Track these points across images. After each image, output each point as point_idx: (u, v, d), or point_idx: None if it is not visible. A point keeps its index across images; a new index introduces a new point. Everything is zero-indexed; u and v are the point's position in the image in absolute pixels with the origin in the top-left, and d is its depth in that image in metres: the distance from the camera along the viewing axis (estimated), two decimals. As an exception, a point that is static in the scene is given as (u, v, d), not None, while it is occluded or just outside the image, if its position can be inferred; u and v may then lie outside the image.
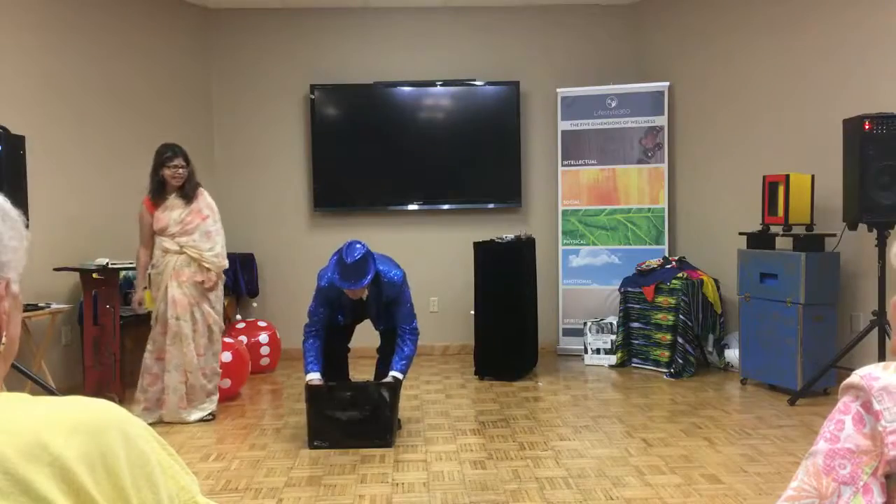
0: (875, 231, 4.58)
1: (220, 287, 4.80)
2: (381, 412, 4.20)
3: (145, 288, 4.83)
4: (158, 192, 4.64)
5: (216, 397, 4.81)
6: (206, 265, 4.64)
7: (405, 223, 6.79)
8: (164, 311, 4.62)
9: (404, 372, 4.32)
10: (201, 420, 4.69)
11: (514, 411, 4.87)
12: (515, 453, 4.03)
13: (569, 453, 4.01)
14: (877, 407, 0.94)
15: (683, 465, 3.80)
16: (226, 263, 4.77)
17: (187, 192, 4.66)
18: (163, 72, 6.24)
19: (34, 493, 0.72)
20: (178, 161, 4.63)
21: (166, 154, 4.63)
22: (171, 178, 4.62)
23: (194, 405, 4.70)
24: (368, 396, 4.21)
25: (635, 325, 6.05)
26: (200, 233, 4.66)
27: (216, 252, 4.69)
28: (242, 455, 4.11)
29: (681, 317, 5.72)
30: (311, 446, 4.16)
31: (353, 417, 4.18)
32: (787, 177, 5.09)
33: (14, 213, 0.91)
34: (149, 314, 5.46)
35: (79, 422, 0.78)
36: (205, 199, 4.74)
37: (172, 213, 4.63)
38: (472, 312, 5.93)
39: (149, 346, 4.68)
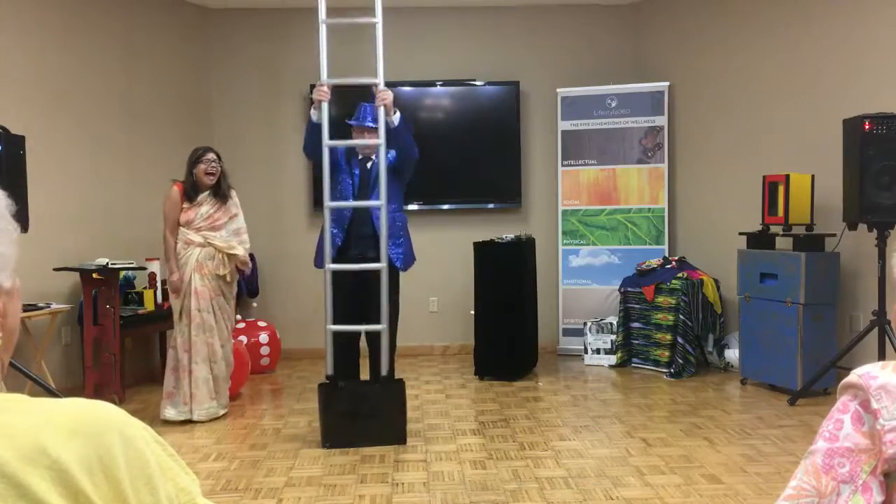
0: (875, 231, 4.58)
1: (234, 284, 4.86)
2: (394, 410, 4.21)
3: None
4: (192, 191, 4.69)
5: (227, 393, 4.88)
6: (239, 254, 4.73)
7: (405, 223, 6.78)
8: (187, 304, 4.65)
9: (400, 123, 4.25)
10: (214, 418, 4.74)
11: (514, 411, 4.86)
12: (515, 453, 4.03)
13: (569, 453, 4.01)
14: (875, 405, 0.94)
15: (683, 465, 3.80)
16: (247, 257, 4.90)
17: (223, 192, 4.75)
18: (162, 72, 6.24)
19: (32, 496, 0.71)
20: (211, 155, 4.73)
21: (199, 151, 4.75)
22: (204, 174, 4.69)
23: (220, 397, 4.76)
24: (380, 395, 4.22)
25: (635, 325, 6.05)
26: (228, 231, 4.77)
27: (247, 246, 4.85)
28: (242, 455, 4.11)
29: (681, 317, 5.72)
30: (324, 446, 4.16)
31: (366, 416, 4.18)
32: (787, 177, 5.09)
33: (1, 206, 0.90)
34: (151, 313, 5.48)
35: (77, 425, 0.78)
36: (234, 199, 4.84)
37: (201, 208, 4.70)
38: (472, 312, 5.93)
39: (177, 341, 4.68)
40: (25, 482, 0.71)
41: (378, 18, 4.24)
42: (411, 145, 4.39)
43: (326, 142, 4.17)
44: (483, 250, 5.87)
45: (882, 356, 4.53)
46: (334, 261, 4.25)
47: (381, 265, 4.16)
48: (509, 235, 5.96)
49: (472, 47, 6.72)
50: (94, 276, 5.04)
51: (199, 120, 6.59)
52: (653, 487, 3.52)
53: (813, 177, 5.13)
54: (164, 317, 5.66)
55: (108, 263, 5.10)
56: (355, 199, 4.37)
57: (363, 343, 4.50)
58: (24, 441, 0.74)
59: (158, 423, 4.62)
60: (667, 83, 6.38)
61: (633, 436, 4.31)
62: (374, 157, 4.39)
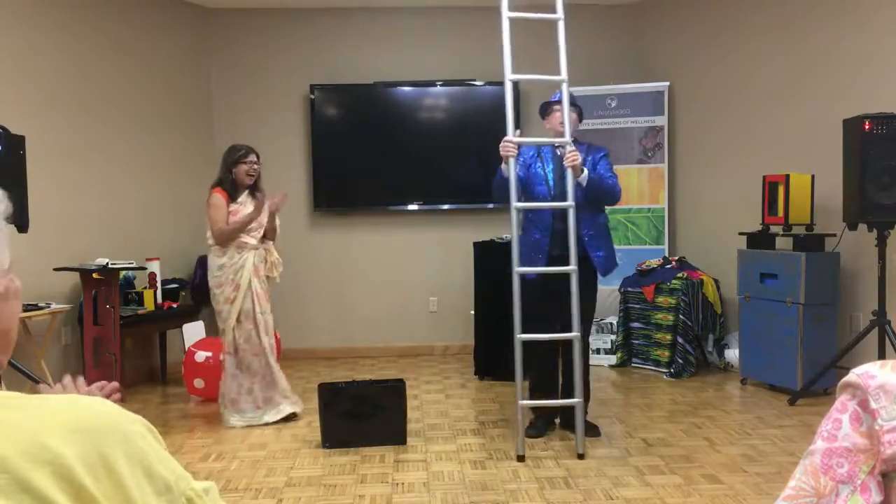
0: (875, 231, 4.58)
1: None
2: (394, 411, 4.22)
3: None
4: (234, 191, 4.61)
5: None
6: (273, 259, 4.70)
7: (405, 223, 6.79)
8: (250, 308, 4.57)
9: (591, 178, 4.09)
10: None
11: (514, 411, 4.86)
12: (515, 453, 4.03)
13: (569, 453, 4.01)
14: (873, 405, 0.94)
15: (683, 465, 3.80)
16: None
17: (260, 192, 4.68)
18: (162, 72, 6.24)
19: (34, 491, 0.72)
20: (254, 157, 4.65)
21: (241, 151, 4.65)
22: (245, 175, 4.61)
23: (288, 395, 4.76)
24: (381, 396, 4.23)
25: (635, 325, 6.05)
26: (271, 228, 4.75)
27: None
28: (242, 455, 4.11)
29: (681, 317, 5.72)
30: (324, 446, 4.17)
31: (366, 417, 4.19)
32: (787, 177, 5.09)
33: None
34: (151, 313, 5.48)
35: (76, 422, 0.79)
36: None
37: (246, 209, 4.62)
38: (472, 312, 5.93)
39: (238, 345, 4.58)
40: (27, 478, 0.72)
41: (559, 14, 4.10)
42: (609, 191, 4.21)
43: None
44: (483, 250, 5.87)
45: (882, 356, 4.52)
46: (538, 263, 4.14)
47: (572, 268, 3.96)
48: (509, 235, 5.95)
49: (472, 47, 6.72)
50: (94, 276, 5.04)
51: (199, 120, 6.59)
52: (653, 487, 3.52)
53: (813, 177, 5.13)
54: (164, 317, 5.67)
55: (108, 263, 5.10)
56: (553, 196, 4.18)
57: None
58: (26, 438, 0.75)
59: (259, 424, 4.62)
60: (667, 83, 6.38)
61: (633, 436, 4.30)
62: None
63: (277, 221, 4.73)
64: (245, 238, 4.59)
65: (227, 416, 4.64)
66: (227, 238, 4.56)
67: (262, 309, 4.60)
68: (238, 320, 4.56)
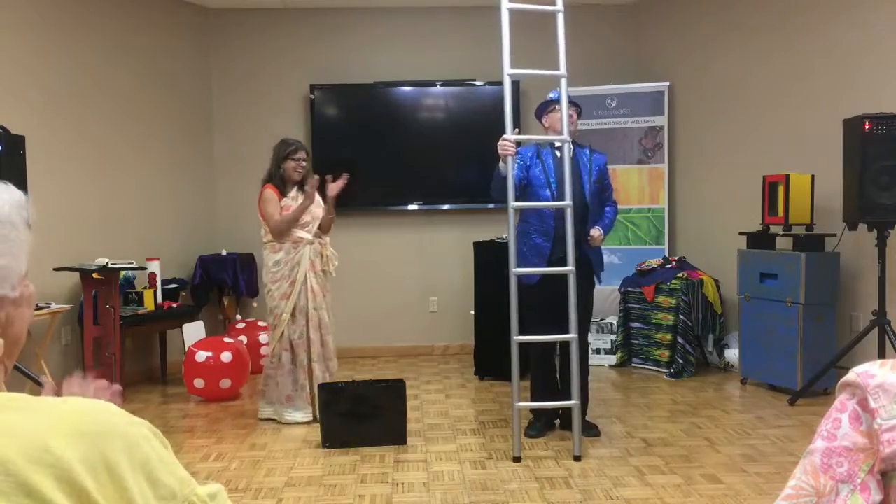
0: (875, 231, 4.58)
1: None
2: (394, 411, 4.21)
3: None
4: (283, 186, 4.61)
5: None
6: (328, 254, 4.69)
7: (405, 223, 6.79)
8: (304, 304, 4.57)
9: (604, 231, 4.32)
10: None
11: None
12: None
13: (568, 453, 4.00)
14: (873, 405, 0.94)
15: (683, 465, 3.80)
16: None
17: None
18: (162, 72, 6.24)
19: (37, 494, 0.72)
20: (302, 154, 4.66)
21: (291, 147, 4.65)
22: (293, 171, 4.62)
23: None
24: (381, 396, 4.23)
25: (635, 325, 6.05)
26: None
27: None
28: (242, 455, 4.11)
29: (681, 317, 5.72)
30: (324, 446, 4.17)
31: (366, 417, 4.19)
32: (787, 177, 5.09)
33: (5, 213, 0.90)
34: (151, 313, 5.47)
35: (81, 425, 0.79)
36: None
37: (298, 202, 4.61)
38: (472, 312, 5.93)
39: (292, 342, 4.57)
40: (30, 481, 0.72)
41: (559, 7, 4.06)
42: (613, 221, 4.53)
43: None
44: (483, 250, 5.87)
45: (882, 356, 4.52)
46: (538, 266, 4.12)
47: (570, 269, 3.94)
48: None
49: (472, 47, 6.72)
50: (94, 276, 5.04)
51: (199, 120, 6.59)
52: (653, 487, 3.52)
53: (813, 177, 5.13)
54: (164, 317, 5.66)
55: (108, 263, 5.10)
56: (556, 199, 4.13)
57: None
58: (29, 440, 0.74)
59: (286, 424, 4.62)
60: (667, 83, 6.38)
61: (633, 436, 4.30)
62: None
63: (333, 213, 4.71)
64: (300, 233, 4.58)
65: (283, 414, 4.62)
66: (284, 230, 4.54)
67: (315, 305, 4.59)
68: (293, 315, 4.56)
